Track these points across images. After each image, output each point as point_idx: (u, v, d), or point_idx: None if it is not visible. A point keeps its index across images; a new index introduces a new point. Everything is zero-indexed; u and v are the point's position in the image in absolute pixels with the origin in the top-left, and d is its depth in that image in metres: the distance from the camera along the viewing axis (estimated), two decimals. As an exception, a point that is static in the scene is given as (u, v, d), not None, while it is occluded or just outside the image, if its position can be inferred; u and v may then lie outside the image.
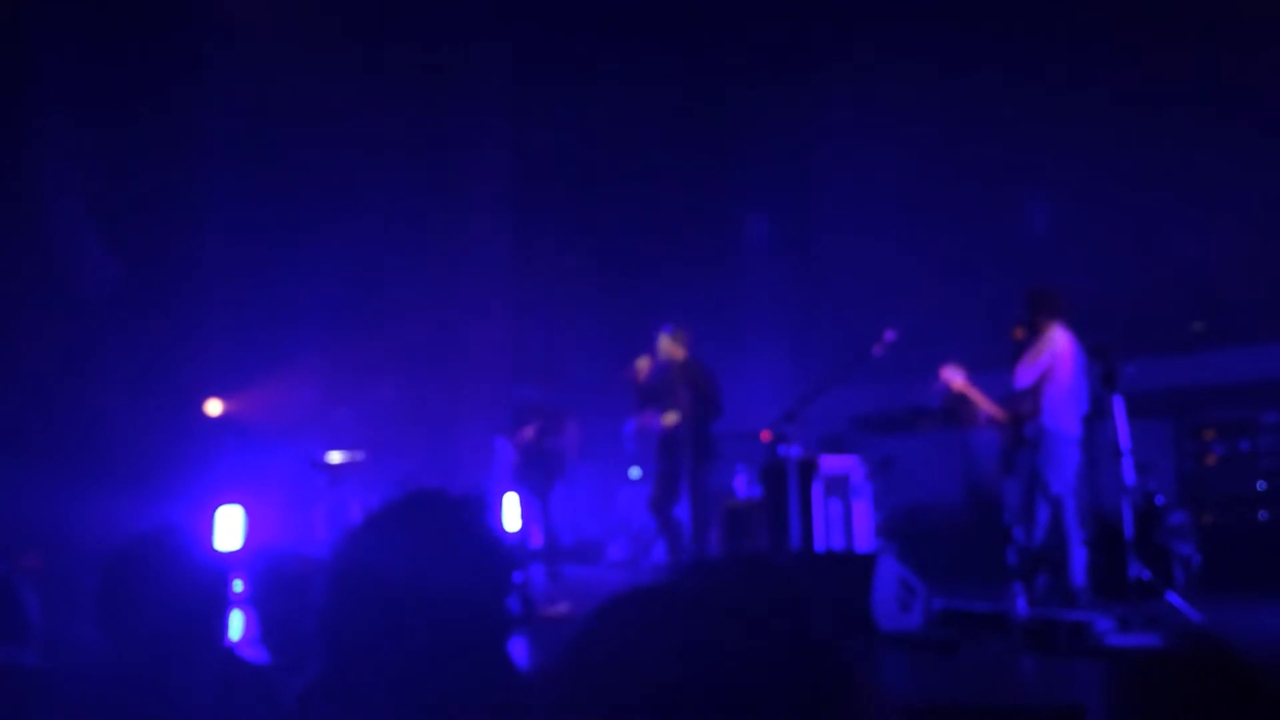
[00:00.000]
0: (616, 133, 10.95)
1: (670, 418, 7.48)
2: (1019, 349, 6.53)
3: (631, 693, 0.88)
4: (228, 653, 2.33)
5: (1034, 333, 6.52)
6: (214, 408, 9.52)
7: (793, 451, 6.88)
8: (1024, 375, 6.47)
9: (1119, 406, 5.83)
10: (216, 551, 2.27)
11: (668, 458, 7.56)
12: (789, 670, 0.89)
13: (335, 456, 9.33)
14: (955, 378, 6.84)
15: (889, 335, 6.90)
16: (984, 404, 6.85)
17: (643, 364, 7.67)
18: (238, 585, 5.91)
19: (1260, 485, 7.70)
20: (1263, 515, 7.67)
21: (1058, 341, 6.46)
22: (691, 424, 7.43)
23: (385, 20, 10.52)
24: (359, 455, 9.39)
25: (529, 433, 8.86)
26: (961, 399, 8.01)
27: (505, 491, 9.35)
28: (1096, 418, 6.53)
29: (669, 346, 7.58)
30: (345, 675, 1.89)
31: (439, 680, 1.83)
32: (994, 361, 6.95)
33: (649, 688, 0.87)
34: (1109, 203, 9.05)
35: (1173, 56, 8.70)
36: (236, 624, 5.48)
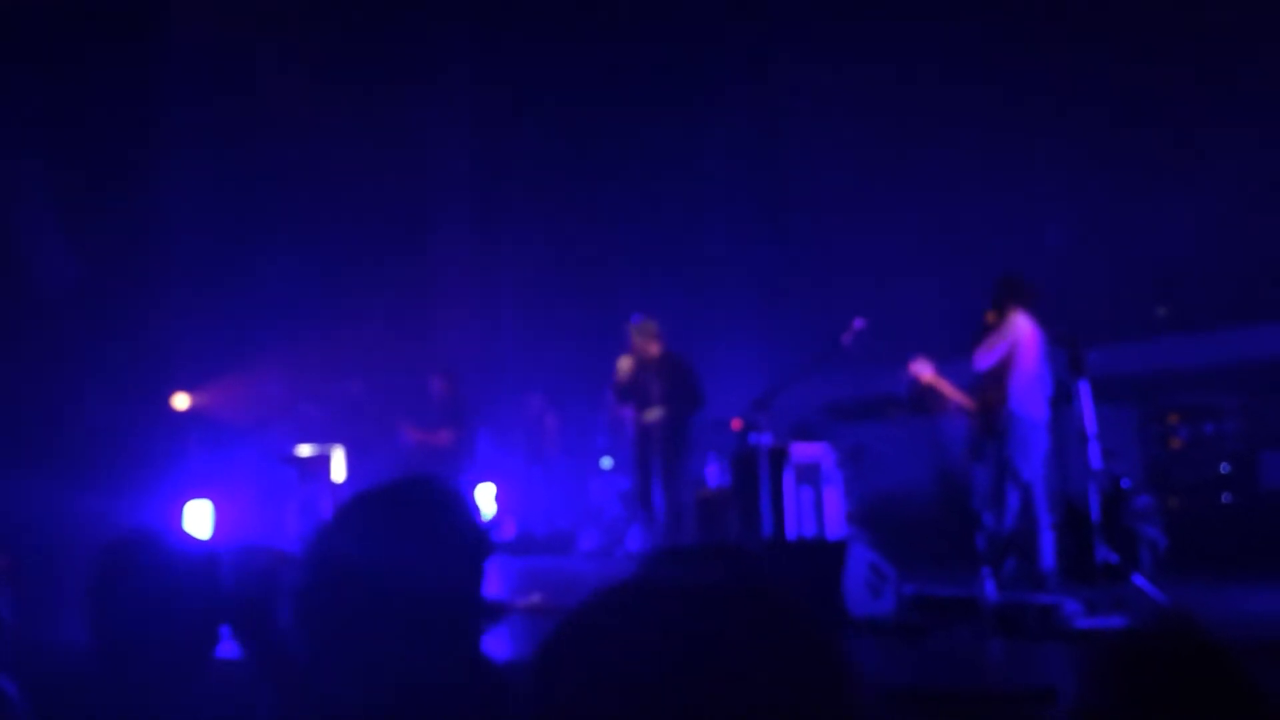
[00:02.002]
0: (582, 121, 10.93)
1: (652, 414, 7.48)
2: (985, 333, 6.59)
3: (614, 684, 0.88)
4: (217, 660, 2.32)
5: (997, 318, 6.59)
6: (181, 402, 9.44)
7: (764, 439, 6.91)
8: (982, 359, 6.55)
9: (1085, 391, 5.89)
10: (207, 549, 2.25)
11: (644, 451, 7.54)
12: (771, 655, 0.90)
13: (305, 450, 9.28)
14: (924, 370, 6.91)
15: (858, 323, 6.94)
16: (953, 395, 6.92)
17: (625, 363, 7.68)
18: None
19: (1224, 468, 7.80)
20: (1227, 498, 7.76)
21: (1018, 328, 6.53)
22: (669, 419, 7.44)
23: (349, 14, 10.45)
24: (329, 449, 9.36)
25: (415, 431, 9.04)
26: (929, 389, 8.08)
27: (480, 481, 9.38)
28: (1063, 403, 6.60)
29: (640, 339, 7.59)
30: (319, 660, 1.89)
31: (413, 669, 1.83)
32: (962, 349, 7.00)
33: (631, 679, 0.88)
34: (1072, 191, 9.13)
35: (1135, 45, 8.79)
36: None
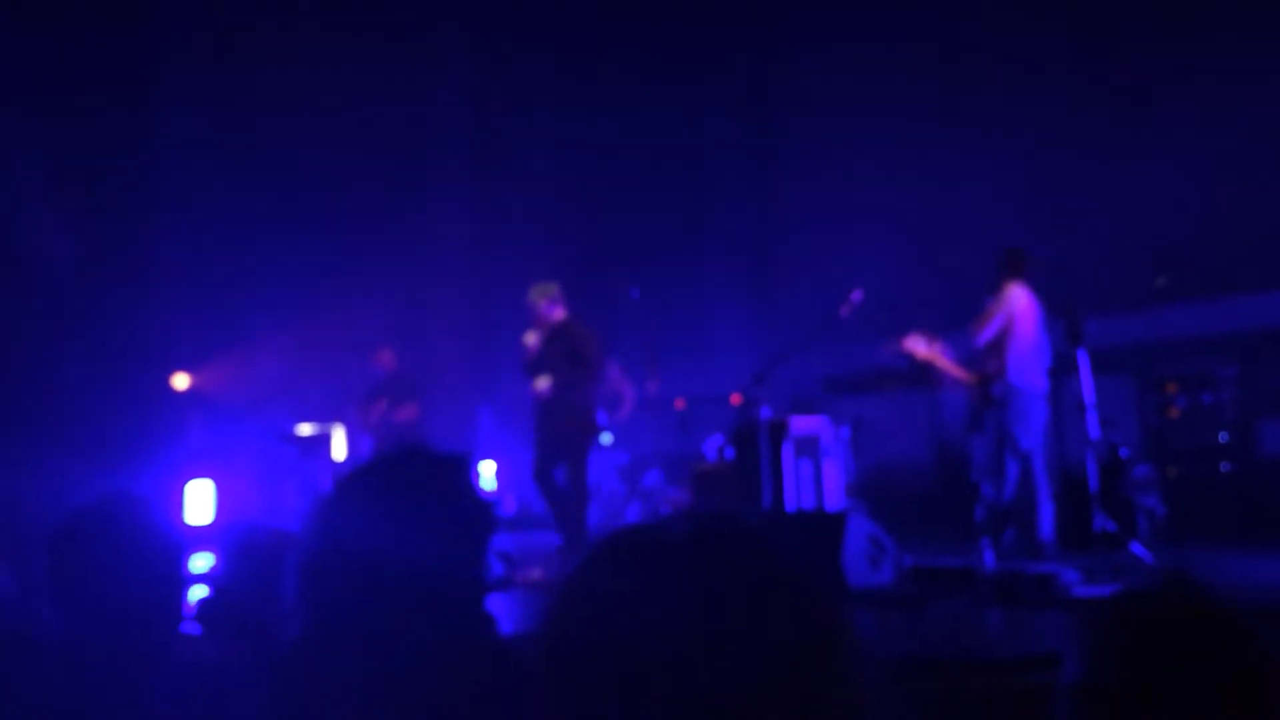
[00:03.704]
0: (576, 93, 10.90)
1: (541, 382, 7.20)
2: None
3: (621, 636, 0.88)
4: (184, 637, 2.32)
5: (993, 291, 6.60)
6: (181, 382, 9.45)
7: (763, 413, 6.92)
8: (981, 334, 6.55)
9: (1084, 361, 5.90)
10: (172, 520, 2.23)
11: (545, 425, 7.28)
12: (779, 609, 0.91)
13: (305, 429, 9.31)
14: (918, 346, 6.88)
15: (855, 296, 6.94)
16: (950, 368, 6.91)
17: (529, 338, 7.45)
18: (206, 559, 5.91)
19: (1222, 437, 7.81)
20: (1225, 467, 7.78)
21: (1014, 299, 6.53)
22: (556, 388, 7.19)
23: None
24: (329, 428, 9.39)
25: (379, 409, 9.01)
26: (926, 365, 8.09)
27: (482, 457, 9.41)
28: (1062, 374, 6.61)
29: (538, 302, 7.35)
30: (324, 636, 1.90)
31: (415, 642, 1.83)
32: (958, 322, 7.00)
33: (638, 629, 0.88)
34: (1070, 161, 9.10)
35: (1131, 12, 8.75)
36: (194, 596, 5.45)
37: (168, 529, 2.18)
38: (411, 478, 1.95)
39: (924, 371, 8.51)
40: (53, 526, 2.11)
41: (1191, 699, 1.33)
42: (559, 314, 7.33)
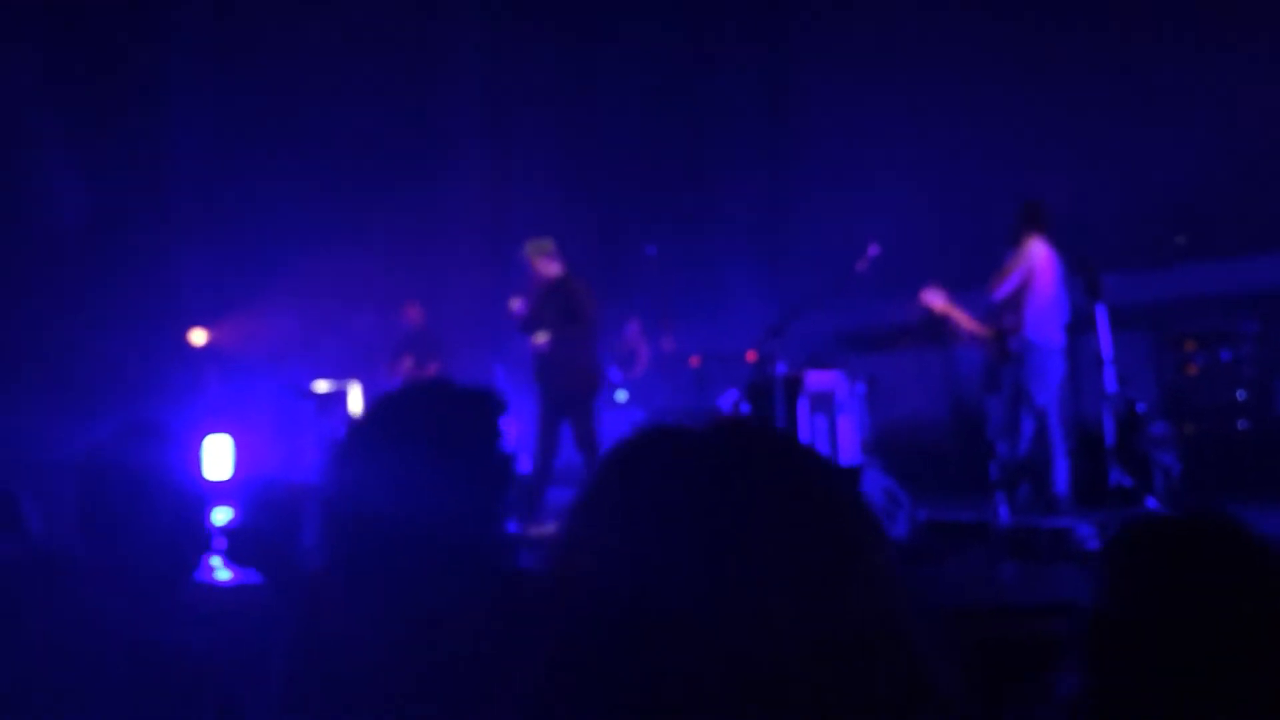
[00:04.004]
0: (593, 51, 10.83)
1: (540, 338, 7.14)
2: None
3: (641, 538, 0.87)
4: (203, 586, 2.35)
5: (1012, 245, 6.55)
6: (198, 338, 9.50)
7: (779, 368, 6.91)
8: (1000, 289, 6.51)
9: (1102, 316, 5.87)
10: (191, 447, 2.26)
11: (546, 382, 7.23)
12: (806, 510, 0.88)
13: (322, 385, 9.34)
14: (936, 300, 6.84)
15: (873, 250, 6.91)
16: (967, 323, 6.87)
17: (514, 304, 7.40)
18: (226, 513, 5.95)
19: (1240, 394, 7.77)
20: (1243, 424, 7.74)
21: (1034, 254, 6.48)
22: (559, 344, 7.13)
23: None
24: (346, 384, 9.42)
25: (407, 364, 9.03)
26: (943, 319, 8.05)
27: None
28: (1079, 330, 6.58)
29: (534, 258, 7.27)
30: (347, 564, 1.92)
31: (438, 565, 1.85)
32: (974, 279, 6.96)
33: (659, 529, 0.86)
34: (1090, 118, 9.01)
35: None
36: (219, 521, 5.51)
37: (188, 454, 2.21)
38: (436, 408, 1.97)
39: (940, 328, 8.46)
40: (78, 455, 2.14)
41: (1213, 619, 1.33)
42: (555, 270, 7.29)
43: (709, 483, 0.88)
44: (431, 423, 1.96)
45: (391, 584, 1.85)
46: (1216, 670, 1.32)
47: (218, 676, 1.86)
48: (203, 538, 2.31)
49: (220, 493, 5.96)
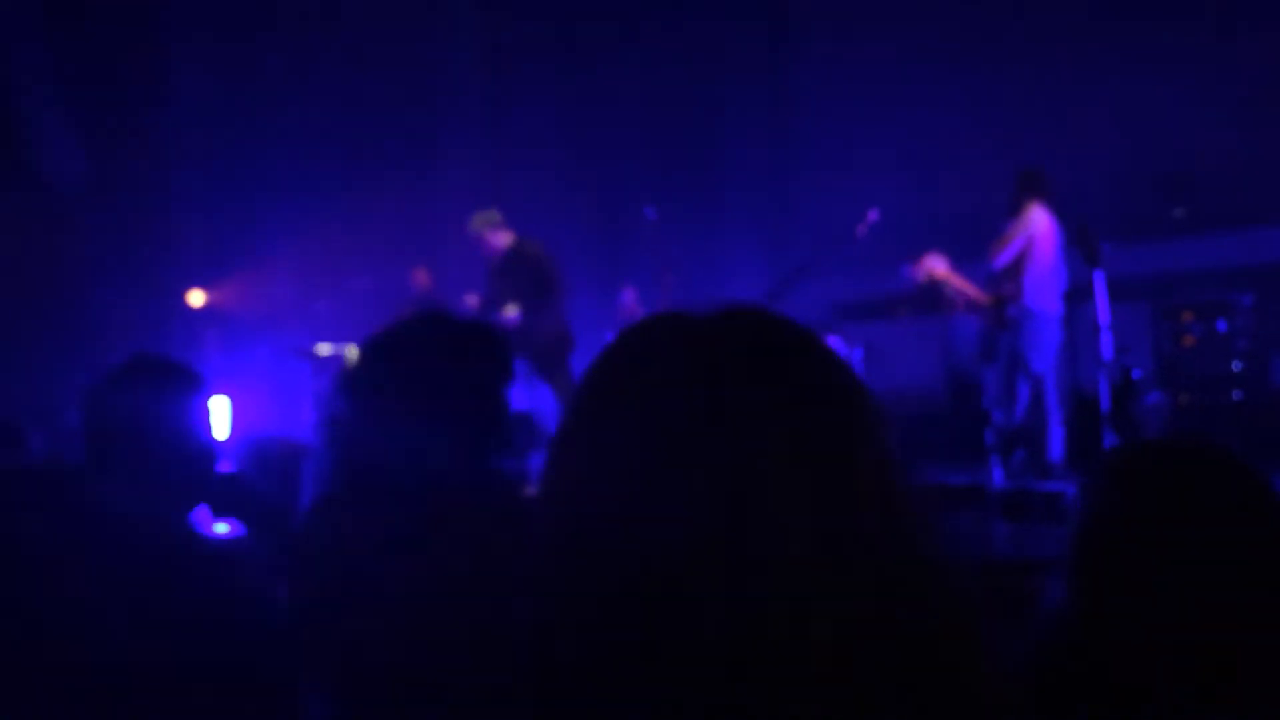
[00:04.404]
0: (593, 15, 10.78)
1: (510, 311, 7.04)
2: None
3: (641, 420, 0.85)
4: (230, 478, 2.37)
5: (1013, 213, 6.55)
6: (196, 299, 9.50)
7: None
8: (1000, 257, 6.52)
9: (1099, 282, 5.88)
10: (195, 375, 2.27)
11: (522, 352, 7.08)
12: (808, 389, 0.87)
13: (321, 349, 9.34)
14: (938, 265, 6.87)
15: (872, 215, 6.92)
16: (967, 289, 6.90)
17: (470, 300, 7.30)
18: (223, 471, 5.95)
19: (1236, 366, 7.79)
20: (1237, 395, 7.77)
21: (1035, 221, 6.48)
22: (530, 313, 7.07)
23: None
24: (343, 348, 9.41)
25: None
26: (938, 286, 8.05)
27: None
28: (1078, 299, 6.59)
29: (482, 231, 7.18)
30: (347, 488, 1.93)
31: (438, 490, 1.86)
32: (972, 250, 6.96)
33: (658, 410, 0.84)
34: (1088, 89, 8.99)
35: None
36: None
37: (194, 377, 2.22)
38: (438, 335, 1.98)
39: (937, 296, 8.48)
40: (85, 386, 2.14)
41: (1199, 534, 1.34)
42: (506, 239, 7.22)
43: (713, 367, 0.86)
44: (433, 352, 1.97)
45: (391, 507, 1.87)
46: (1200, 582, 1.34)
47: (244, 565, 1.88)
48: (209, 482, 2.32)
49: (218, 452, 5.95)
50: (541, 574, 0.87)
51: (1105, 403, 5.83)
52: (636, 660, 0.80)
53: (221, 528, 4.47)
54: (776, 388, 0.86)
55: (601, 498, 0.85)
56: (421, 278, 9.30)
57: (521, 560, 0.90)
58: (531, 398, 7.28)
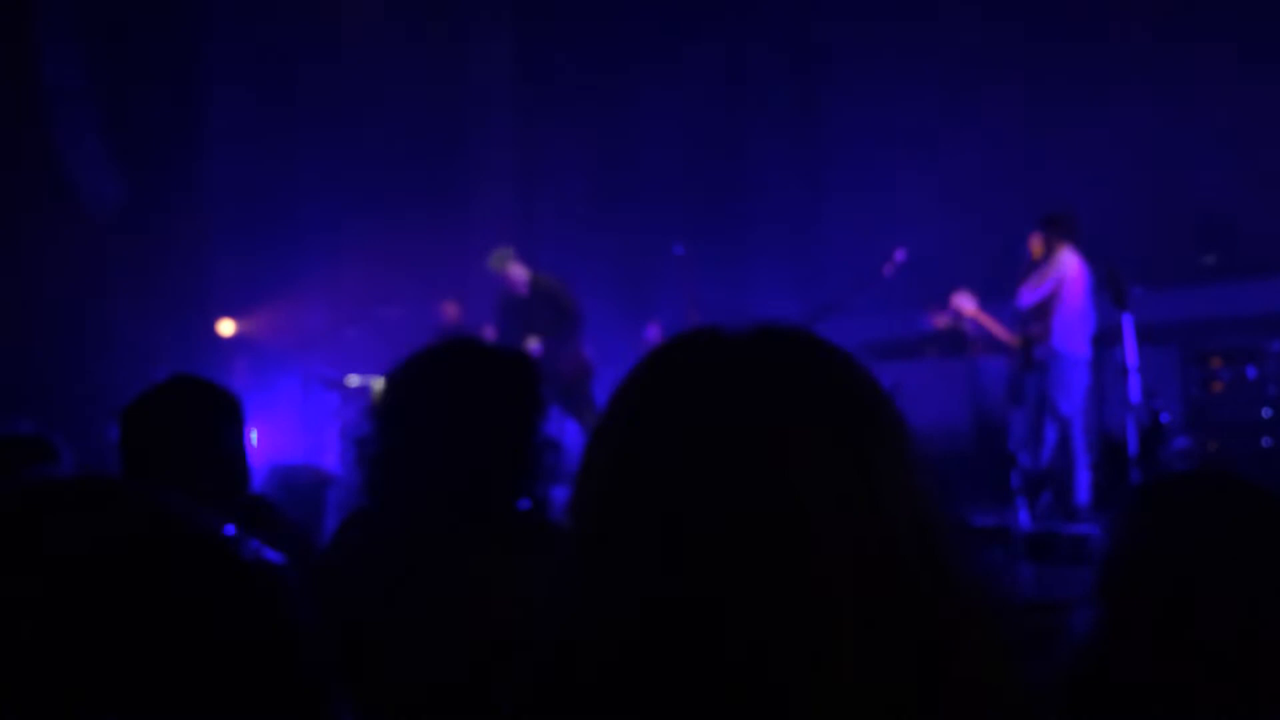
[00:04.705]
0: (624, 53, 10.88)
1: (532, 342, 7.20)
2: (1030, 268, 6.57)
3: (674, 435, 0.85)
4: (257, 499, 2.39)
5: (1045, 254, 6.56)
6: (226, 328, 9.59)
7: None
8: (1028, 295, 6.52)
9: (1128, 325, 5.87)
10: (232, 398, 2.29)
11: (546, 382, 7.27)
12: (835, 409, 0.88)
13: (350, 380, 9.41)
14: (967, 304, 6.91)
15: (899, 255, 6.94)
16: (995, 329, 6.93)
17: (488, 332, 7.43)
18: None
19: (1265, 412, 7.72)
20: (1266, 442, 7.69)
21: (1066, 264, 6.49)
22: (554, 344, 7.24)
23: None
24: (370, 379, 9.48)
25: None
26: (963, 328, 8.06)
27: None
28: (1106, 342, 6.58)
29: (502, 269, 7.31)
30: (378, 506, 1.95)
31: (467, 514, 1.87)
32: (1002, 290, 6.97)
33: (692, 425, 0.85)
34: (1118, 136, 8.99)
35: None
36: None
37: (232, 400, 2.25)
38: (468, 361, 2.00)
39: (963, 337, 8.47)
40: (123, 406, 2.17)
41: (1225, 569, 1.34)
42: (524, 274, 7.36)
43: (746, 383, 0.87)
44: (462, 379, 1.99)
45: (417, 530, 1.88)
46: (1226, 610, 1.34)
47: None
48: (240, 502, 2.34)
49: (252, 473, 5.99)
50: (568, 590, 0.87)
51: (1133, 446, 5.80)
52: (663, 682, 0.80)
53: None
54: (809, 404, 0.87)
55: (633, 514, 0.85)
56: (451, 310, 9.38)
57: (546, 583, 0.90)
58: (557, 431, 7.32)
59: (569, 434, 7.34)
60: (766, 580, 0.80)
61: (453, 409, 1.94)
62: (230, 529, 0.81)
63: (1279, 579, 1.35)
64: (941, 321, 6.92)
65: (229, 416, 2.24)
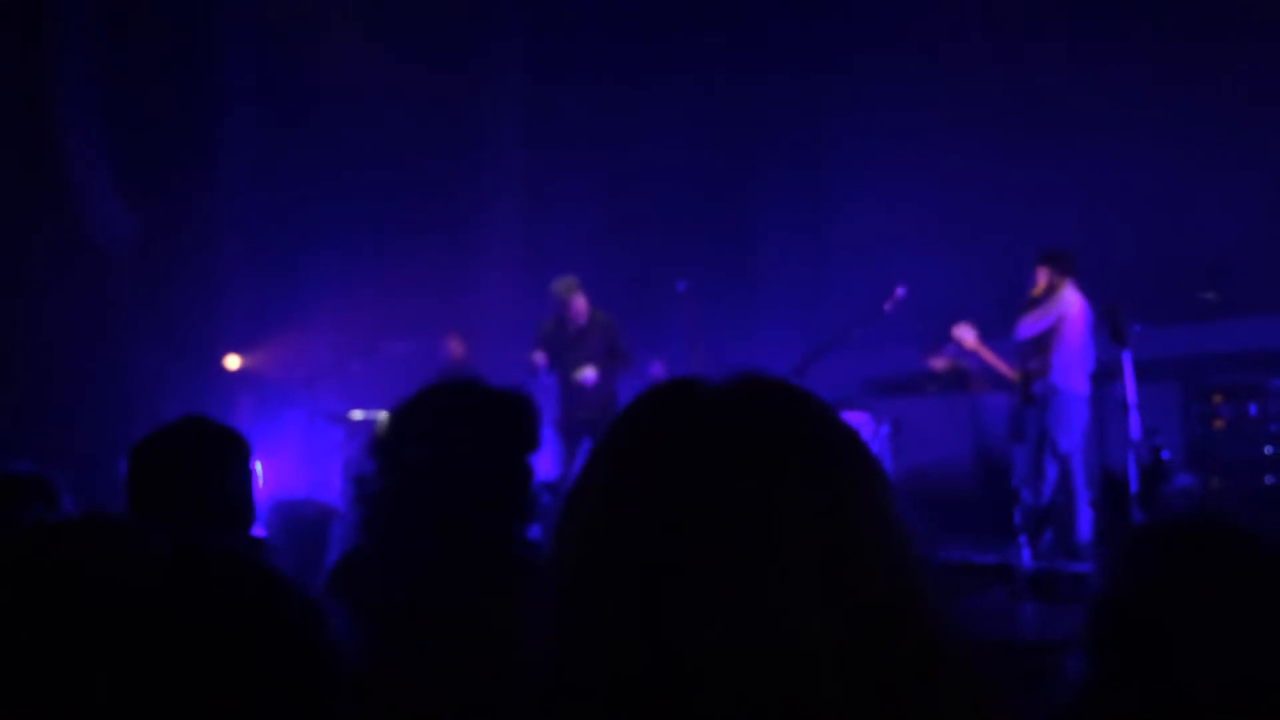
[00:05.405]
0: (629, 86, 10.97)
1: (586, 372, 7.31)
2: (1031, 305, 6.60)
3: (657, 482, 0.87)
4: (256, 541, 2.42)
5: (1047, 290, 6.59)
6: (232, 363, 9.64)
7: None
8: (1027, 327, 6.55)
9: (1127, 362, 5.90)
10: (240, 438, 2.33)
11: (573, 411, 7.40)
12: (814, 463, 0.90)
13: (354, 415, 9.44)
14: (967, 336, 6.96)
15: (899, 291, 6.98)
16: (995, 362, 6.97)
17: (539, 358, 7.48)
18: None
19: (1267, 450, 7.74)
20: (1269, 479, 7.71)
21: (1068, 301, 6.53)
22: (604, 379, 7.39)
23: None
24: (375, 414, 9.51)
25: None
26: (964, 367, 8.10)
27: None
28: (1105, 378, 6.60)
29: (567, 296, 7.41)
30: (375, 546, 1.98)
31: (462, 552, 1.91)
32: (1002, 327, 7.01)
33: (674, 474, 0.87)
34: (1123, 174, 9.05)
35: (1194, 23, 8.71)
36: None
37: (240, 441, 2.28)
38: (468, 403, 2.04)
39: (966, 374, 8.51)
40: (134, 442, 2.20)
41: (1215, 607, 1.34)
42: (586, 305, 7.45)
43: (724, 435, 0.89)
44: (459, 419, 2.02)
45: (418, 564, 1.91)
46: (1214, 656, 1.34)
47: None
48: (251, 513, 2.36)
49: (255, 514, 6.01)
50: (546, 637, 0.89)
51: (1134, 483, 5.82)
52: (645, 713, 0.82)
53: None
54: (784, 458, 0.89)
55: (614, 557, 0.87)
56: (455, 346, 9.42)
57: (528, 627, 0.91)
58: (567, 462, 7.43)
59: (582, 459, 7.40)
60: (744, 632, 0.82)
61: (449, 449, 1.96)
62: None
63: (1269, 627, 1.36)
64: (940, 364, 6.97)
65: (236, 457, 2.27)
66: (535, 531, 2.09)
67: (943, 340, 7.17)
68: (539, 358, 7.40)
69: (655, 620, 0.83)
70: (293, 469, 8.92)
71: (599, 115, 11.01)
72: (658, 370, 9.61)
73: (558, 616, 0.89)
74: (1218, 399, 7.94)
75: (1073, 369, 6.51)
